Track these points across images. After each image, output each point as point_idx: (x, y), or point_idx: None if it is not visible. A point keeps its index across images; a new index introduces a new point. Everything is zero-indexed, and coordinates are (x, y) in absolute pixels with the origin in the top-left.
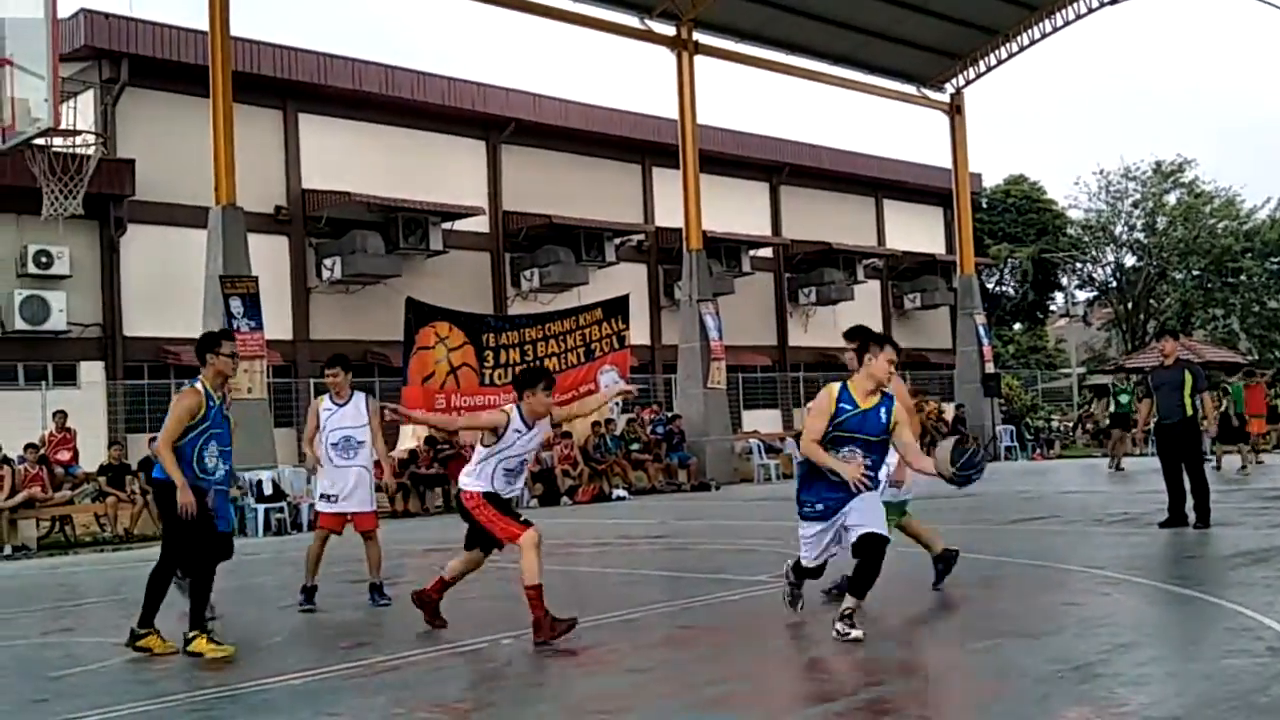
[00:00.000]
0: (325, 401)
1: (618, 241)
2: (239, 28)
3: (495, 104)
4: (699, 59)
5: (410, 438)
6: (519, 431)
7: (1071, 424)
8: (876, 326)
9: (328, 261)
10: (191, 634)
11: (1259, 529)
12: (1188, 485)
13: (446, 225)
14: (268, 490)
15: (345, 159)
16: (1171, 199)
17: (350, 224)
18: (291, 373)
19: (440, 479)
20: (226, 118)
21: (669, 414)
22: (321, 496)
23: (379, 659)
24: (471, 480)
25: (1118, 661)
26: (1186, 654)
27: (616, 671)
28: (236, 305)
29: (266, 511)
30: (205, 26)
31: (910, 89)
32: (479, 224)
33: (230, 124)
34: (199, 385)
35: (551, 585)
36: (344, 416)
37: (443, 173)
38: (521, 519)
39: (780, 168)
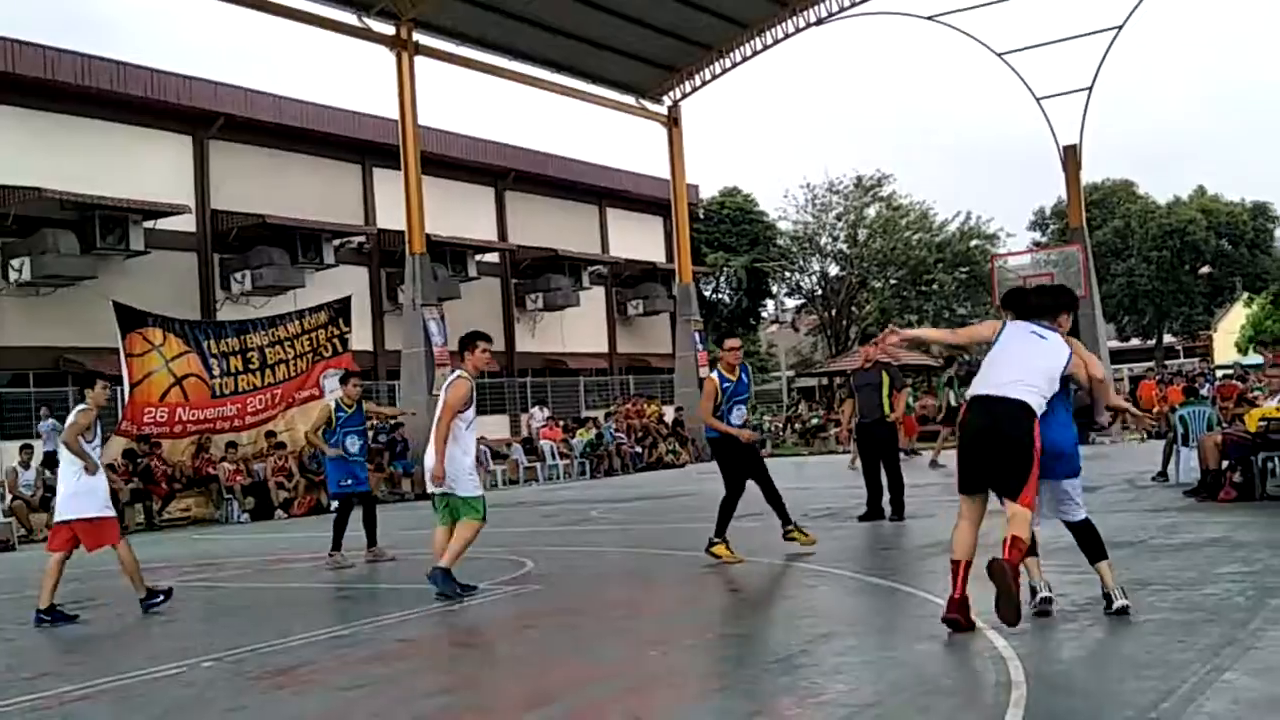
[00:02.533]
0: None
1: (337, 243)
2: None
3: (203, 98)
4: (421, 60)
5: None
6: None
7: (781, 424)
8: (602, 333)
9: (15, 262)
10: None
11: (948, 521)
12: (885, 480)
13: (149, 224)
14: None
15: (36, 153)
16: (871, 212)
17: (41, 222)
18: None
19: (142, 494)
20: None
21: (391, 421)
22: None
23: (67, 688)
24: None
25: (818, 651)
26: (881, 642)
27: (325, 690)
28: None
29: None
30: None
31: (630, 100)
32: (185, 223)
33: None
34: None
35: (259, 603)
36: None
37: (145, 169)
38: None
39: (506, 173)
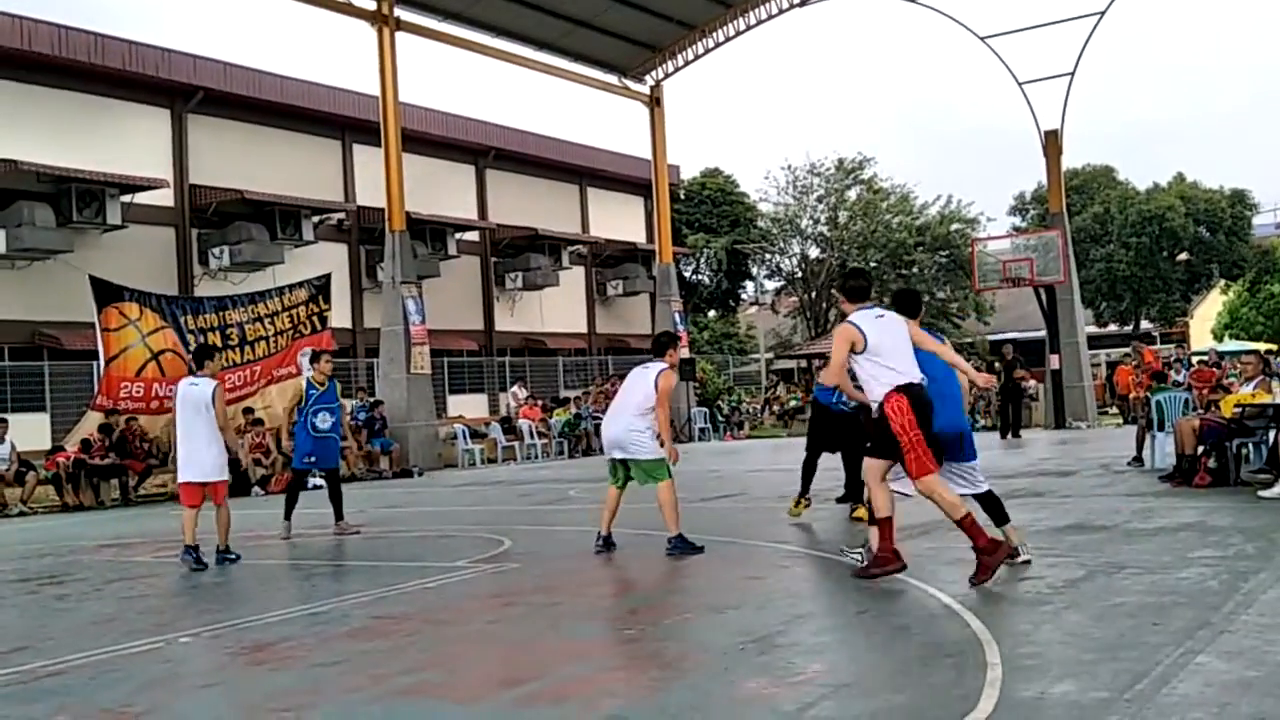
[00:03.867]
0: None
1: (316, 220)
2: None
3: (181, 71)
4: (402, 36)
5: (84, 429)
6: None
7: (760, 406)
8: (581, 313)
9: None
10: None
11: (922, 503)
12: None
13: (126, 198)
14: None
15: (12, 125)
16: (852, 194)
17: (16, 194)
18: None
19: (118, 469)
20: None
21: (370, 399)
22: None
23: (40, 664)
24: None
25: (795, 632)
26: (858, 623)
27: (301, 667)
28: None
29: None
30: None
31: (612, 79)
32: (162, 197)
33: None
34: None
35: (235, 580)
36: None
37: (122, 142)
38: None
39: (486, 151)
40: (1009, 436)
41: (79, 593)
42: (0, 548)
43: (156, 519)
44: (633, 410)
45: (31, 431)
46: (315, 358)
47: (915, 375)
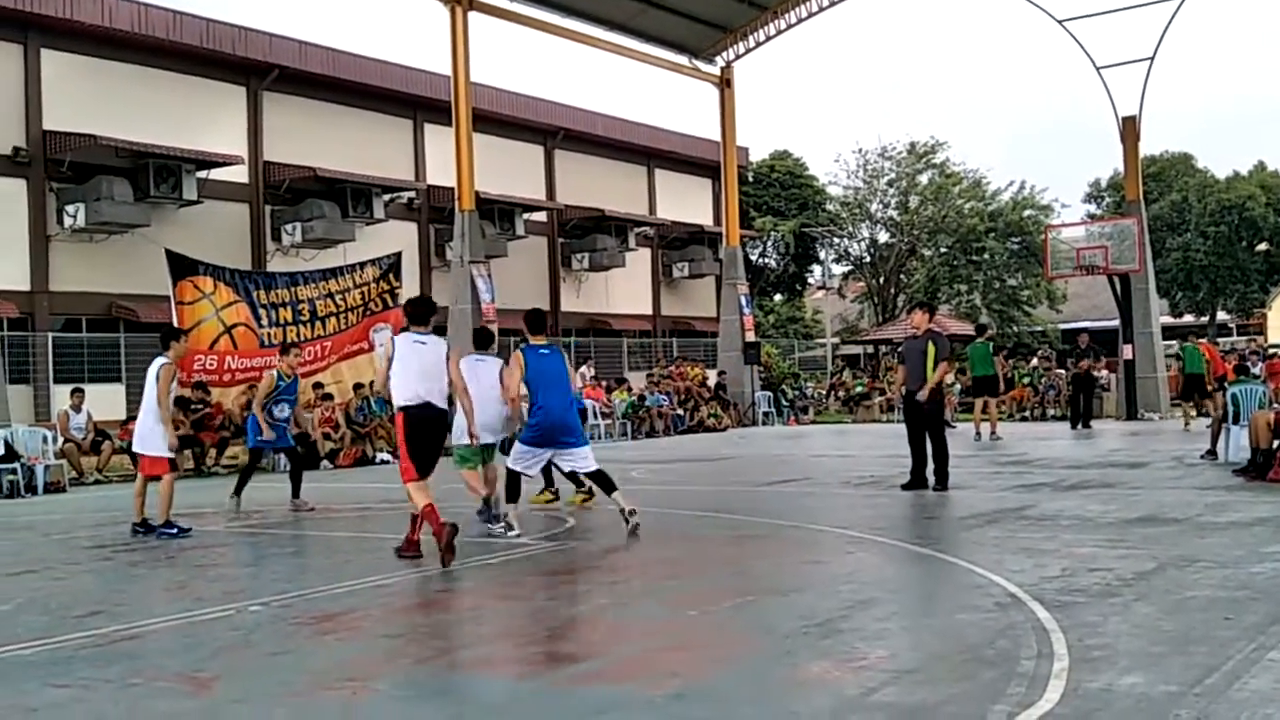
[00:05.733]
0: None
1: (387, 198)
2: None
3: (257, 49)
4: (475, 15)
5: None
6: None
7: (825, 391)
8: (646, 294)
9: (70, 208)
10: None
11: (991, 492)
12: (929, 450)
13: (202, 174)
14: None
15: (92, 100)
16: (924, 179)
17: (96, 169)
18: (29, 325)
19: (192, 441)
20: None
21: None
22: None
23: (115, 628)
24: None
25: (859, 617)
26: (923, 610)
27: (367, 637)
28: None
29: None
30: None
31: (683, 60)
32: (238, 174)
33: None
34: None
35: (306, 551)
36: None
37: (199, 119)
38: None
39: (555, 132)
40: (1079, 427)
41: (152, 560)
42: (77, 515)
43: (228, 490)
44: (498, 398)
45: (108, 401)
46: (286, 350)
47: (423, 397)
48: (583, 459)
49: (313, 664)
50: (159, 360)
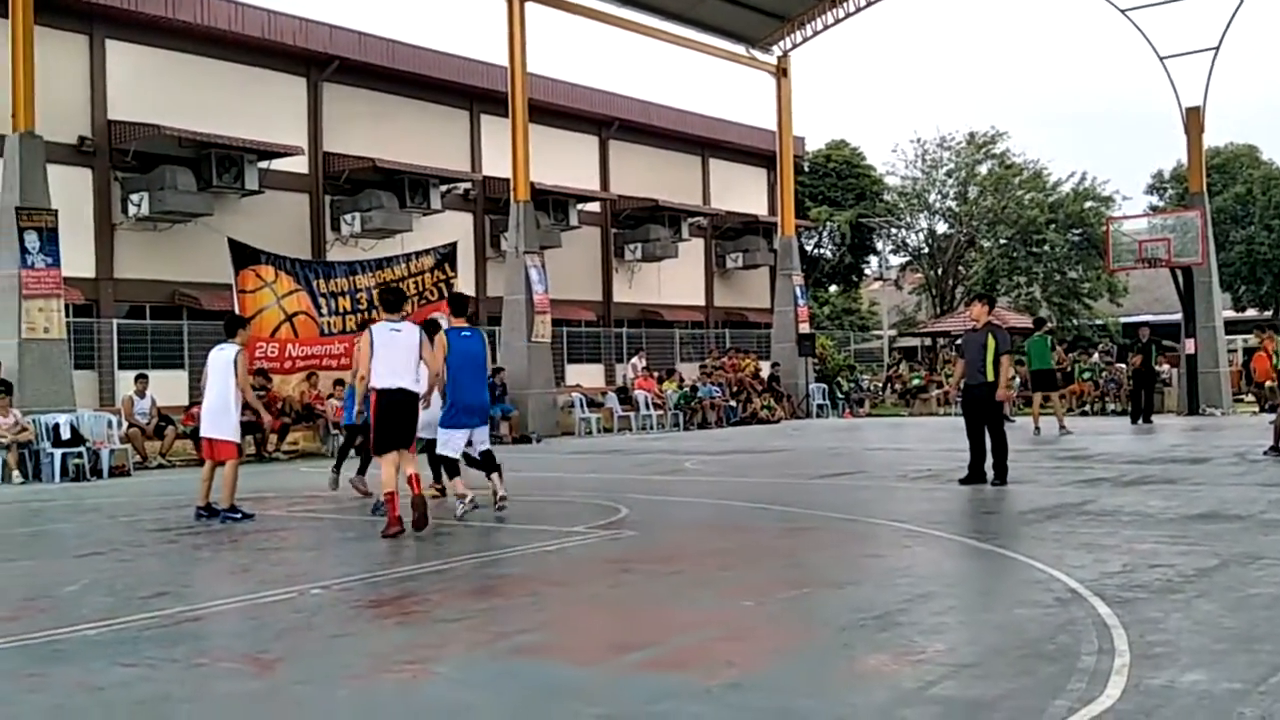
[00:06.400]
0: None
1: (444, 189)
2: None
3: (318, 40)
4: (531, 6)
5: None
6: None
7: (881, 384)
8: (699, 285)
9: (135, 197)
10: None
11: (1051, 487)
12: (988, 444)
13: (263, 164)
14: (65, 435)
15: (156, 90)
16: (983, 169)
17: (160, 159)
18: (93, 312)
19: (254, 426)
20: (26, 40)
21: (492, 366)
22: None
23: (180, 609)
24: None
25: (916, 611)
26: (981, 604)
27: (426, 621)
28: (32, 239)
29: (64, 456)
30: None
31: (739, 49)
32: (298, 164)
33: (30, 47)
34: None
35: (365, 536)
36: None
37: (261, 109)
38: None
39: (610, 122)
40: (1140, 422)
41: (215, 543)
42: (141, 498)
43: (289, 475)
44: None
45: (171, 387)
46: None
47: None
48: (481, 440)
49: (373, 647)
50: (231, 347)
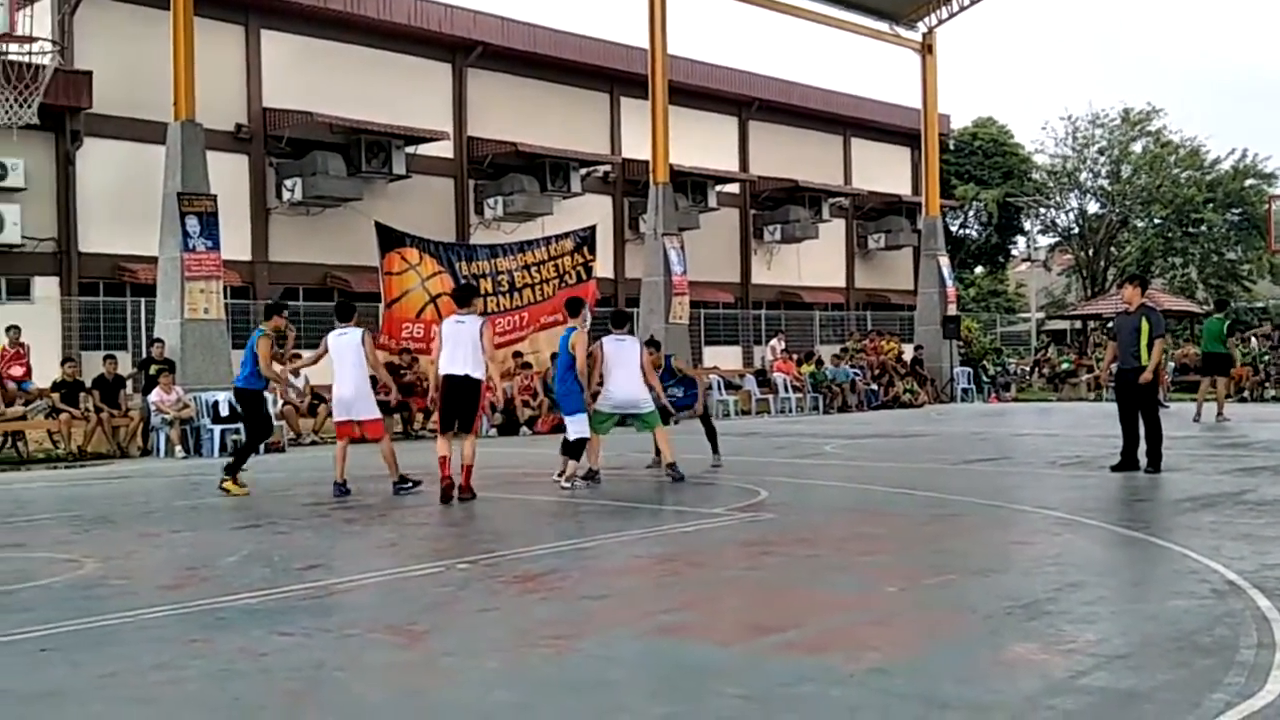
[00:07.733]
0: None
1: (584, 172)
2: None
3: (462, 26)
4: None
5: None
6: None
7: (1028, 368)
8: (840, 266)
9: (288, 182)
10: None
11: (1207, 475)
12: (1141, 430)
13: (410, 149)
14: (224, 411)
15: (308, 78)
16: (1137, 147)
17: (312, 145)
18: (250, 294)
19: (400, 406)
20: (187, 31)
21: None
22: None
23: (333, 580)
24: None
25: (1066, 600)
26: (1133, 594)
27: (570, 599)
28: (193, 224)
29: (222, 433)
30: None
31: (883, 26)
32: (443, 149)
33: (191, 38)
34: None
35: (508, 513)
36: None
37: (407, 95)
38: None
39: (750, 102)
40: None
41: (365, 518)
42: (295, 474)
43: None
44: (640, 375)
45: (323, 367)
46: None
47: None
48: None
49: (518, 622)
50: (354, 331)
